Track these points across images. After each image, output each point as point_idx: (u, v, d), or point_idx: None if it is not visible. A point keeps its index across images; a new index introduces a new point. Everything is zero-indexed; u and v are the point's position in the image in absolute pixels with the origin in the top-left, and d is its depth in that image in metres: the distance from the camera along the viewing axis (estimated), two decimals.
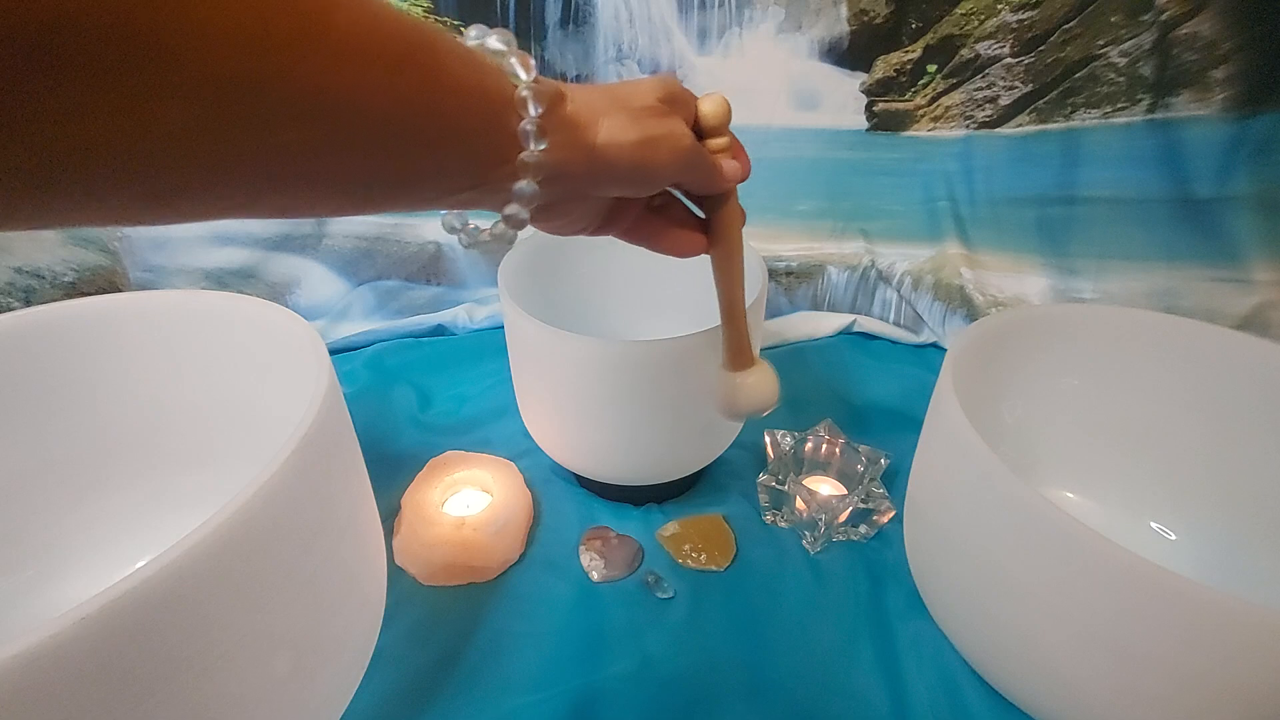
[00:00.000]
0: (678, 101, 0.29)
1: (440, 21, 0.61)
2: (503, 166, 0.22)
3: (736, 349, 0.37)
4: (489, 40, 0.23)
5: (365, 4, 0.18)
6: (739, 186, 0.33)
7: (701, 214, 0.34)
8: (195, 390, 0.42)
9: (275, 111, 0.16)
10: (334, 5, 0.17)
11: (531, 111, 0.22)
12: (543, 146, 0.22)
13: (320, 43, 0.16)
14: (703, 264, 0.56)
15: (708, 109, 0.31)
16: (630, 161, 0.26)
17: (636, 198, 0.30)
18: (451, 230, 0.27)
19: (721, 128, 0.31)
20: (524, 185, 0.23)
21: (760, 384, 0.37)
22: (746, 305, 0.44)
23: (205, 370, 0.41)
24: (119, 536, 0.42)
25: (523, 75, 0.22)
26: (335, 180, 0.19)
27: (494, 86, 0.21)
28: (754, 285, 0.47)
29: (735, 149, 0.32)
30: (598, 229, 0.31)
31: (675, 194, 0.33)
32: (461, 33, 0.23)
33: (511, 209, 0.24)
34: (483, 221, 0.27)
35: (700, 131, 0.31)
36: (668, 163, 0.27)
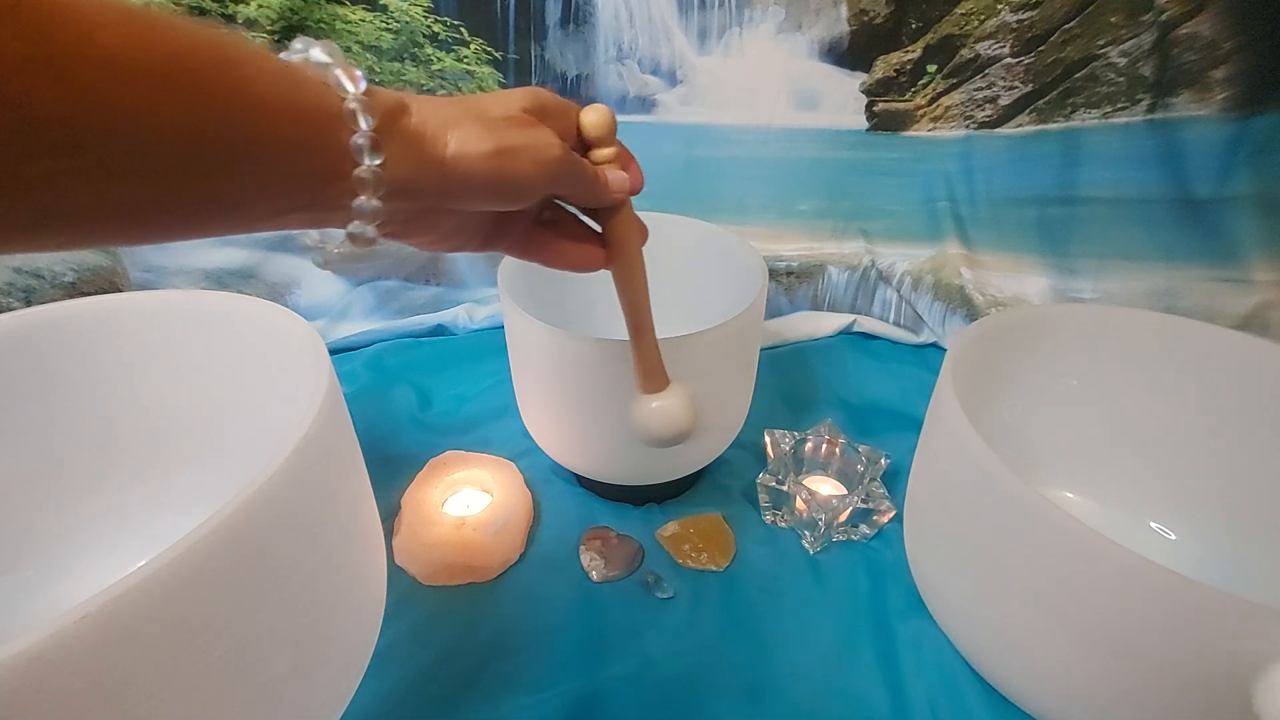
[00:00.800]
0: (549, 112, 0.28)
1: (440, 21, 0.61)
2: (337, 183, 0.21)
3: (646, 370, 0.35)
4: (313, 52, 0.22)
5: (141, 23, 0.17)
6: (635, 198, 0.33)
7: (599, 228, 0.33)
8: (195, 390, 0.42)
9: (15, 142, 0.15)
10: (96, 25, 0.16)
11: (363, 125, 0.21)
12: (379, 161, 0.22)
13: (70, 66, 0.15)
14: (701, 264, 0.57)
15: (588, 119, 0.30)
16: (486, 173, 0.25)
17: (519, 211, 0.29)
18: (305, 248, 0.27)
19: (605, 138, 0.30)
20: (364, 201, 0.22)
21: (670, 409, 0.35)
22: (746, 306, 0.44)
23: (205, 370, 0.41)
24: (119, 536, 0.42)
25: (350, 88, 0.21)
26: (127, 211, 0.18)
27: (314, 101, 0.21)
28: (754, 285, 0.47)
29: (624, 160, 0.32)
30: (482, 244, 0.30)
31: (568, 208, 0.33)
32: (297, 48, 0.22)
33: (355, 226, 0.23)
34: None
35: (585, 143, 0.30)
36: (531, 173, 0.26)
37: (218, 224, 0.20)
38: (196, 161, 0.18)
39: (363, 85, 0.21)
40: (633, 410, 0.36)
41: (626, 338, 0.36)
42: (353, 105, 0.21)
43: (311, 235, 0.25)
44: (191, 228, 0.20)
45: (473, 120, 0.25)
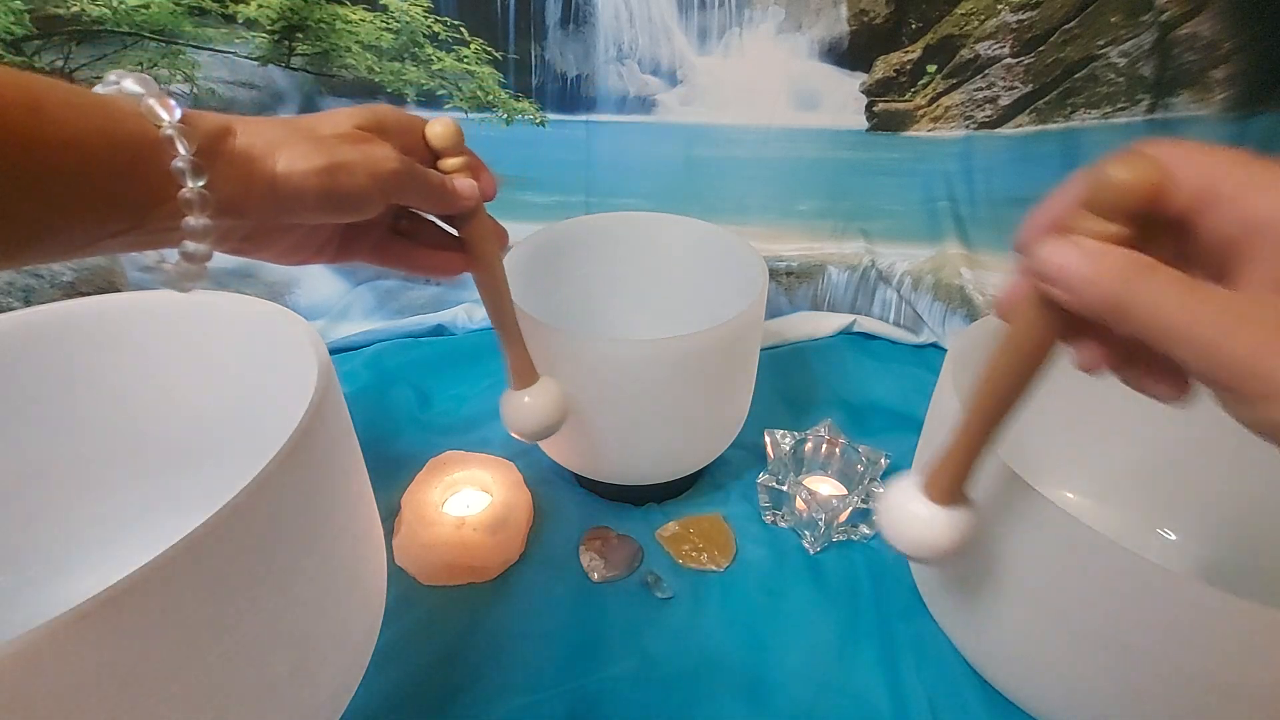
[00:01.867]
0: (389, 127, 0.29)
1: (440, 21, 0.61)
2: (164, 205, 0.23)
3: (515, 367, 0.38)
4: (125, 84, 0.23)
5: None
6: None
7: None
8: (195, 390, 0.42)
9: None
10: None
11: (181, 150, 0.22)
12: (202, 182, 0.23)
13: None
14: (701, 265, 0.57)
15: (433, 131, 0.31)
16: (317, 188, 0.26)
17: (369, 221, 0.30)
18: (146, 270, 0.29)
19: (451, 148, 0.32)
20: (193, 221, 0.23)
21: (536, 405, 0.38)
22: (746, 306, 0.44)
23: (205, 370, 0.41)
24: (119, 536, 0.42)
25: (164, 116, 0.22)
26: None
27: (130, 131, 0.22)
28: (754, 285, 0.47)
29: (475, 168, 0.33)
30: (335, 255, 0.32)
31: (427, 216, 0.34)
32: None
33: (188, 245, 0.25)
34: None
35: (433, 154, 0.32)
36: (365, 186, 0.27)
37: (40, 252, 0.21)
38: (10, 196, 0.19)
39: (177, 113, 0.23)
40: (504, 405, 0.39)
41: (626, 338, 0.36)
42: (169, 132, 0.22)
43: (150, 256, 0.26)
44: (13, 256, 0.21)
45: (302, 139, 0.26)
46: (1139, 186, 0.21)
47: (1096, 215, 0.21)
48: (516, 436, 0.40)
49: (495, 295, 0.35)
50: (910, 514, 0.31)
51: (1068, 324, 0.25)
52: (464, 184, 0.32)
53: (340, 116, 0.28)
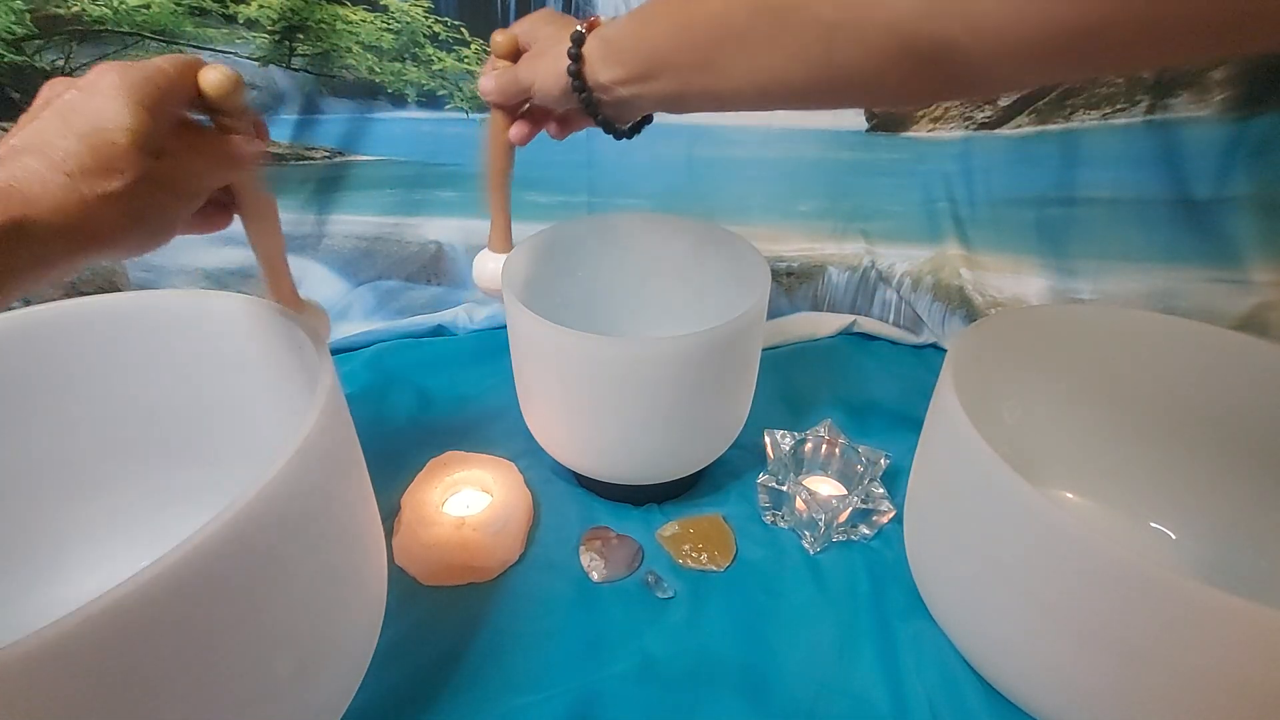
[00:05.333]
0: (161, 98, 0.27)
1: (440, 21, 0.61)
2: None
3: (285, 298, 0.39)
4: None
5: None
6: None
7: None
8: (195, 390, 0.42)
9: None
10: None
11: None
12: None
13: None
14: (702, 265, 0.57)
15: (210, 81, 0.29)
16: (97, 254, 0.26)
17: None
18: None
19: (232, 104, 0.29)
20: None
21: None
22: (747, 306, 0.44)
23: (205, 370, 0.41)
24: (119, 536, 0.42)
25: None
26: None
27: None
28: (756, 286, 0.47)
29: (256, 125, 0.31)
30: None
31: None
32: None
33: None
34: None
35: (208, 106, 0.29)
36: (159, 232, 0.28)
37: None
38: None
39: None
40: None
41: (627, 337, 0.36)
42: None
43: None
44: None
45: (60, 185, 0.24)
46: (506, 41, 0.42)
47: (497, 59, 0.43)
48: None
49: (268, 233, 0.36)
50: (485, 260, 0.49)
51: (508, 115, 0.44)
52: (250, 148, 0.30)
53: (108, 115, 0.25)
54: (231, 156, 0.30)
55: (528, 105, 0.44)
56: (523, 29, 0.42)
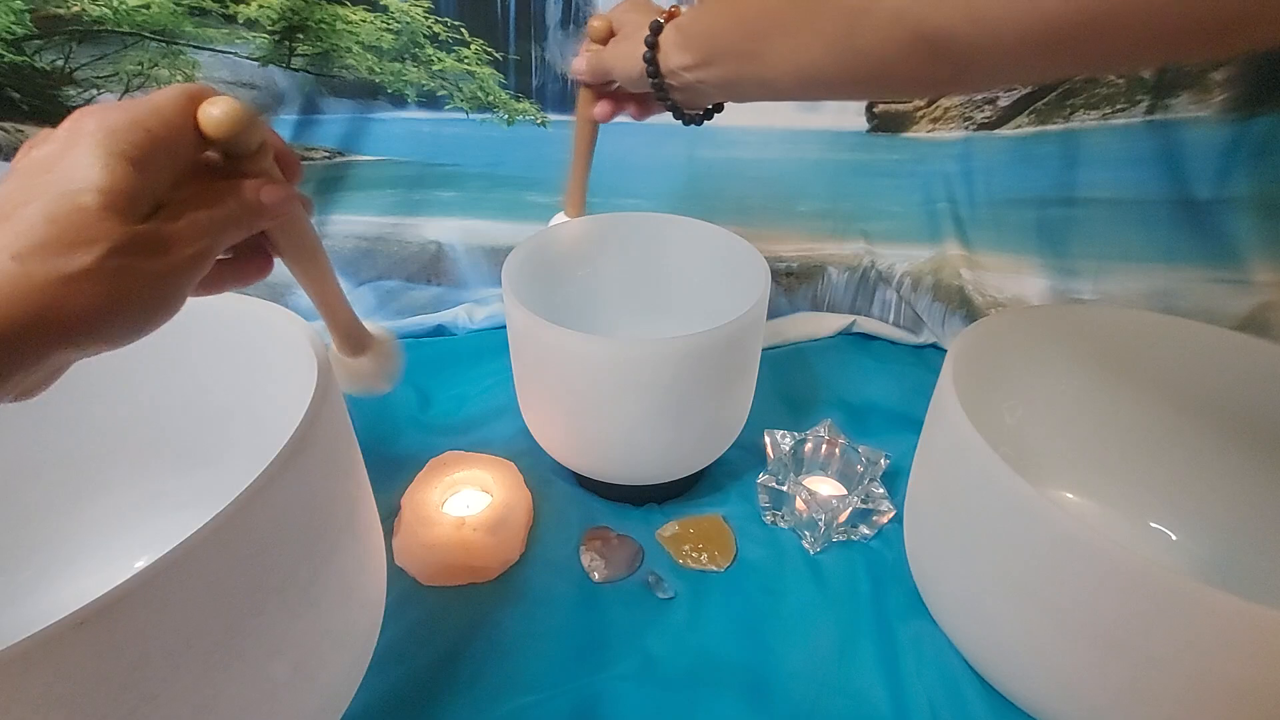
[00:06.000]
0: (156, 156, 0.22)
1: (440, 22, 0.61)
2: None
3: (349, 337, 0.34)
4: None
5: None
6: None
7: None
8: (195, 390, 0.42)
9: None
10: None
11: None
12: None
13: None
14: (703, 265, 0.57)
15: (212, 120, 0.23)
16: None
17: None
18: None
19: (241, 141, 0.24)
20: None
21: (367, 367, 0.35)
22: (748, 306, 0.44)
23: (205, 370, 0.41)
24: (118, 536, 0.42)
25: None
26: None
27: None
28: (756, 286, 0.47)
29: (281, 158, 0.26)
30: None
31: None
32: None
33: None
34: None
35: (213, 145, 0.23)
36: (152, 321, 0.23)
37: None
38: None
39: None
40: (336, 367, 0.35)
41: (628, 338, 0.36)
42: None
43: None
44: None
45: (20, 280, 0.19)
46: (601, 26, 0.45)
47: (591, 42, 0.45)
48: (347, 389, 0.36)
49: (319, 273, 0.31)
50: (557, 221, 0.53)
51: (595, 94, 0.48)
52: (272, 193, 0.25)
53: (78, 173, 0.20)
54: (248, 206, 0.24)
55: (615, 86, 0.46)
56: (615, 14, 0.45)
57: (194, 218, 0.22)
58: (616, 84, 0.46)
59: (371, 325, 0.35)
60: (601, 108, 0.48)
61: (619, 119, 0.49)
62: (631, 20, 0.43)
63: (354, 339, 0.34)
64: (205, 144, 0.23)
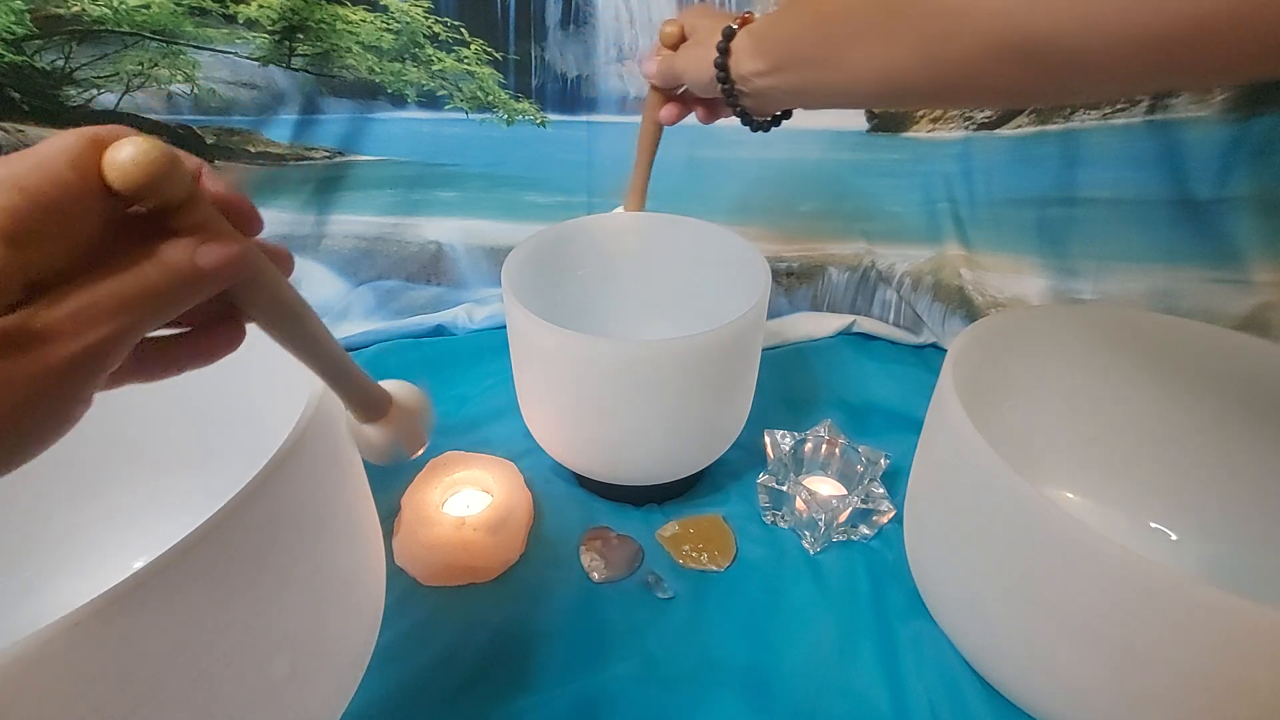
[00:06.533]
0: (44, 229, 0.16)
1: (440, 22, 0.61)
2: None
3: (360, 402, 0.28)
4: None
5: None
6: None
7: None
8: (194, 390, 0.41)
9: None
10: None
11: None
12: None
13: None
14: (703, 265, 0.57)
15: (119, 169, 0.17)
16: None
17: None
18: None
19: (153, 188, 0.17)
20: None
21: (389, 434, 0.29)
22: (748, 307, 0.44)
23: (204, 370, 0.41)
24: (117, 537, 0.42)
25: None
26: None
27: None
28: (756, 286, 0.47)
29: (220, 200, 0.20)
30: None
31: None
32: None
33: None
34: None
35: (128, 200, 0.18)
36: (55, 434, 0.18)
37: None
38: None
39: None
40: (355, 435, 0.29)
41: (628, 338, 0.36)
42: None
43: None
44: None
45: None
46: (673, 31, 0.46)
47: (661, 46, 0.46)
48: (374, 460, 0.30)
49: (308, 337, 0.24)
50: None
51: (663, 96, 0.49)
52: (213, 254, 0.19)
53: None
54: (178, 274, 0.18)
55: (682, 89, 0.47)
56: (687, 20, 0.46)
57: (87, 299, 0.17)
58: (684, 87, 0.46)
59: (393, 383, 0.29)
60: (668, 110, 0.49)
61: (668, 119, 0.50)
62: (704, 26, 0.43)
63: (368, 403, 0.28)
64: (122, 199, 0.17)
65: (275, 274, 0.22)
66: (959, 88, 0.31)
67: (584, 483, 0.54)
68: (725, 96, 0.42)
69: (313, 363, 0.25)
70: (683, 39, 0.46)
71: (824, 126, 0.67)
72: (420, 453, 0.30)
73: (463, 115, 0.65)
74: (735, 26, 0.40)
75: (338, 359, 0.26)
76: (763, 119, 0.45)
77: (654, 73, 0.47)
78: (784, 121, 0.46)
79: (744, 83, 0.40)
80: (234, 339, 0.23)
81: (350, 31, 0.60)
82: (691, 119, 0.50)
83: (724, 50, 0.40)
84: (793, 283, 0.74)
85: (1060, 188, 0.65)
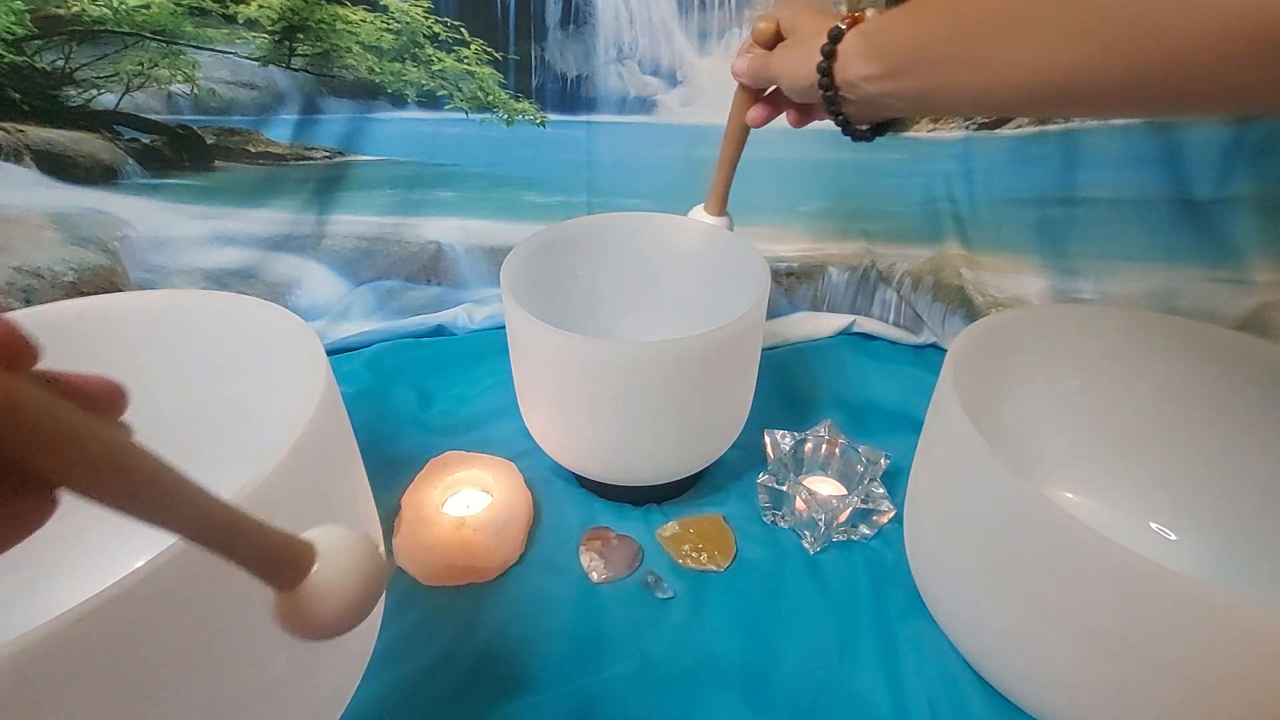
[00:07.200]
0: None
1: (440, 22, 0.61)
2: None
3: (265, 567, 0.20)
4: None
5: None
6: None
7: None
8: (194, 390, 0.42)
9: None
10: None
11: None
12: None
13: None
14: (703, 265, 0.56)
15: None
16: None
17: None
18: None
19: None
20: None
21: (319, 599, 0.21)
22: (748, 307, 0.44)
23: (204, 370, 0.41)
24: (118, 536, 0.42)
25: None
26: None
27: None
28: (756, 286, 0.47)
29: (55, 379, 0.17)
30: None
31: None
32: None
33: None
34: None
35: None
36: None
37: None
38: None
39: None
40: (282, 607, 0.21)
41: (627, 339, 0.36)
42: None
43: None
44: None
45: None
46: (767, 28, 0.43)
47: (753, 44, 0.44)
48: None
49: (149, 498, 0.18)
50: (697, 216, 0.54)
51: (752, 96, 0.47)
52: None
53: None
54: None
55: (772, 89, 0.45)
56: (785, 16, 0.42)
57: None
58: (773, 88, 0.44)
59: (320, 530, 0.22)
60: (757, 112, 0.46)
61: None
62: (805, 25, 0.40)
63: (278, 566, 0.20)
64: None
65: (81, 422, 0.16)
66: (1167, 91, 0.25)
67: (584, 483, 0.54)
68: (826, 104, 0.39)
69: (173, 527, 0.18)
70: (778, 36, 0.43)
71: (824, 126, 0.66)
72: (360, 621, 0.22)
73: (463, 115, 0.65)
74: (843, 26, 0.37)
75: (211, 515, 0.19)
76: (865, 128, 0.42)
77: (744, 72, 0.44)
78: (888, 132, 0.42)
79: (850, 89, 0.37)
80: (41, 513, 0.18)
81: (350, 31, 0.60)
82: (781, 120, 0.47)
83: (829, 54, 0.37)
84: (793, 283, 0.74)
85: (1060, 187, 0.65)
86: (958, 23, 0.31)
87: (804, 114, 0.46)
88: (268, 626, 0.26)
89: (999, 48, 0.29)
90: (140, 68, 0.58)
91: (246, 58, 0.59)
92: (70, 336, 0.39)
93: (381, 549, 0.23)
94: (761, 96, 0.46)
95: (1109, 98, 0.27)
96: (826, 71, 0.37)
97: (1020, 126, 0.65)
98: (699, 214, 0.55)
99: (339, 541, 0.21)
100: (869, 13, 0.38)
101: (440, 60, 0.62)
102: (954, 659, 0.42)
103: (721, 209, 0.54)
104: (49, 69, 0.56)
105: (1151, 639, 0.30)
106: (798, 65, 0.39)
